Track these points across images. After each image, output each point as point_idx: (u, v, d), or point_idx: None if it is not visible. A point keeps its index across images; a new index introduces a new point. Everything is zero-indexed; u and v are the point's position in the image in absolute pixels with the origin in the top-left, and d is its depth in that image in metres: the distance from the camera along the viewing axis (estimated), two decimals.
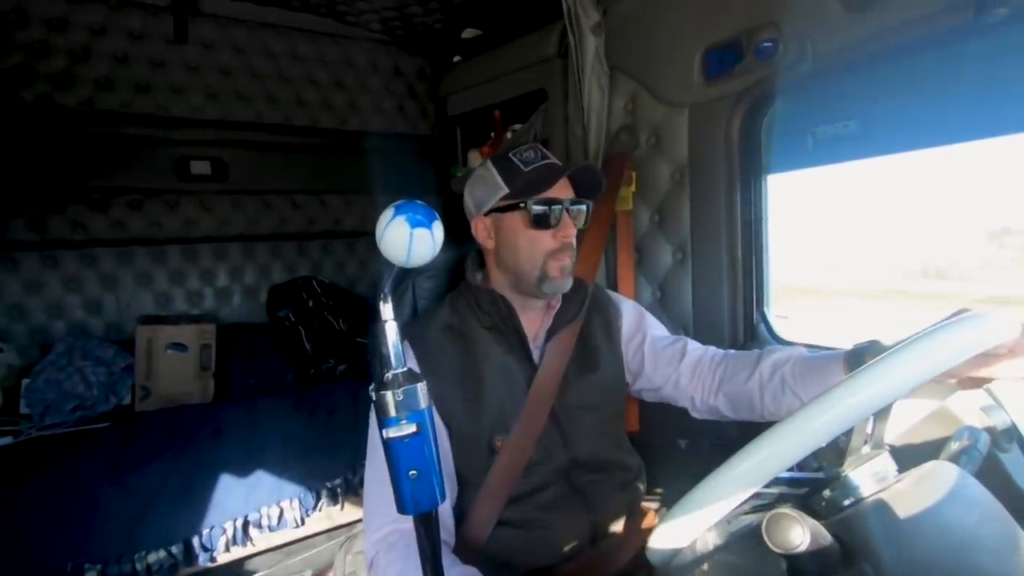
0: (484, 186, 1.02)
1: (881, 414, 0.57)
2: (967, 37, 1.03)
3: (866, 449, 0.55)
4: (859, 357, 0.82)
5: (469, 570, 0.82)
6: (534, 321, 1.05)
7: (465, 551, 0.94)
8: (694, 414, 1.10)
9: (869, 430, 0.56)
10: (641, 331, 1.13)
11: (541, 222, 0.96)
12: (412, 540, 0.75)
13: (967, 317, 0.50)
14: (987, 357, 0.65)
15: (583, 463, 1.02)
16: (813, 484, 0.56)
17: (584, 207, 1.02)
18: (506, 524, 0.97)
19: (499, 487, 0.96)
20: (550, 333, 1.04)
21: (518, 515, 0.97)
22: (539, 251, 0.97)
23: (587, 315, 1.09)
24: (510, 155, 1.00)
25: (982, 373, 0.67)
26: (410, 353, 0.98)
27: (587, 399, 1.04)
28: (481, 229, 1.02)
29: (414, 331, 1.02)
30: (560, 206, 0.97)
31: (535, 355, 1.03)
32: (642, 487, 1.11)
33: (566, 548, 0.98)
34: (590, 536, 1.00)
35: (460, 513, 0.99)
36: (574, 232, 0.99)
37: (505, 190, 0.98)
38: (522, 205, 0.96)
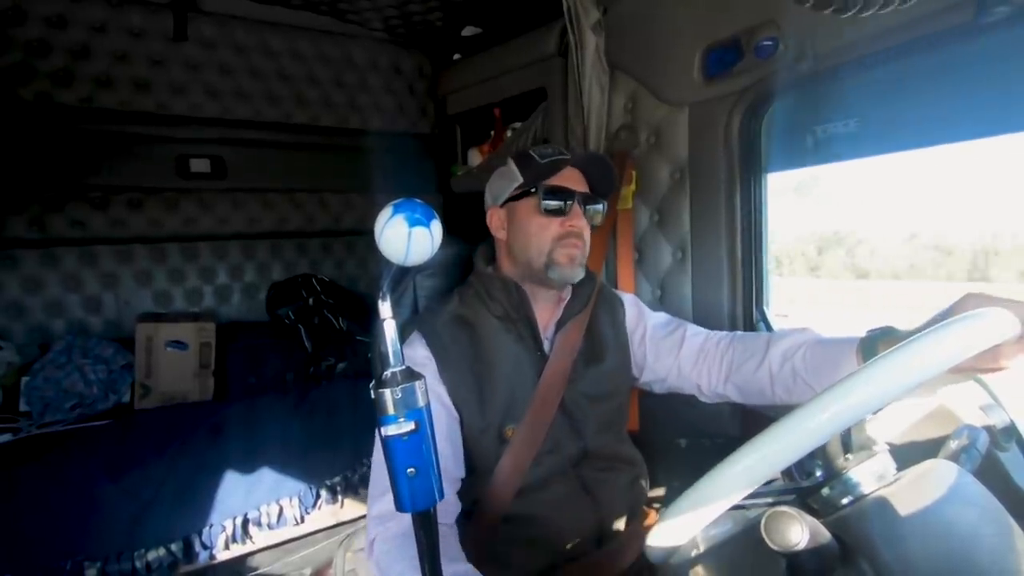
0: (502, 179, 1.06)
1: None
2: (967, 36, 1.03)
3: (851, 456, 0.55)
4: (872, 345, 0.81)
5: (468, 568, 0.82)
6: (545, 312, 1.06)
7: (471, 547, 0.94)
8: (702, 399, 1.10)
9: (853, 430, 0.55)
10: (642, 323, 1.15)
11: (550, 208, 0.99)
12: (409, 527, 0.75)
13: (975, 313, 0.50)
14: (995, 349, 0.64)
15: (593, 454, 1.03)
16: (810, 487, 0.56)
17: (599, 206, 1.05)
18: (513, 521, 0.97)
19: (509, 477, 0.97)
20: (559, 324, 1.05)
21: (525, 511, 0.98)
22: (547, 237, 0.99)
23: (594, 307, 1.10)
24: (530, 151, 1.03)
25: (990, 365, 0.66)
26: (421, 343, 0.99)
27: (595, 390, 1.05)
28: (496, 220, 1.05)
29: (424, 321, 1.03)
30: (571, 198, 1.00)
31: (545, 346, 1.04)
32: (646, 485, 1.11)
33: (572, 548, 0.98)
34: (596, 536, 1.01)
35: (468, 505, 0.99)
36: (583, 223, 1.01)
37: (520, 180, 1.02)
38: (533, 191, 1.00)
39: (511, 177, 1.03)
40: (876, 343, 0.80)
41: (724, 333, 1.08)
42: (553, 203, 0.99)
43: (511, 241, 1.04)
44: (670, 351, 1.10)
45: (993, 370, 0.68)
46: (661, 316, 1.17)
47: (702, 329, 1.11)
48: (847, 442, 0.55)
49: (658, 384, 1.15)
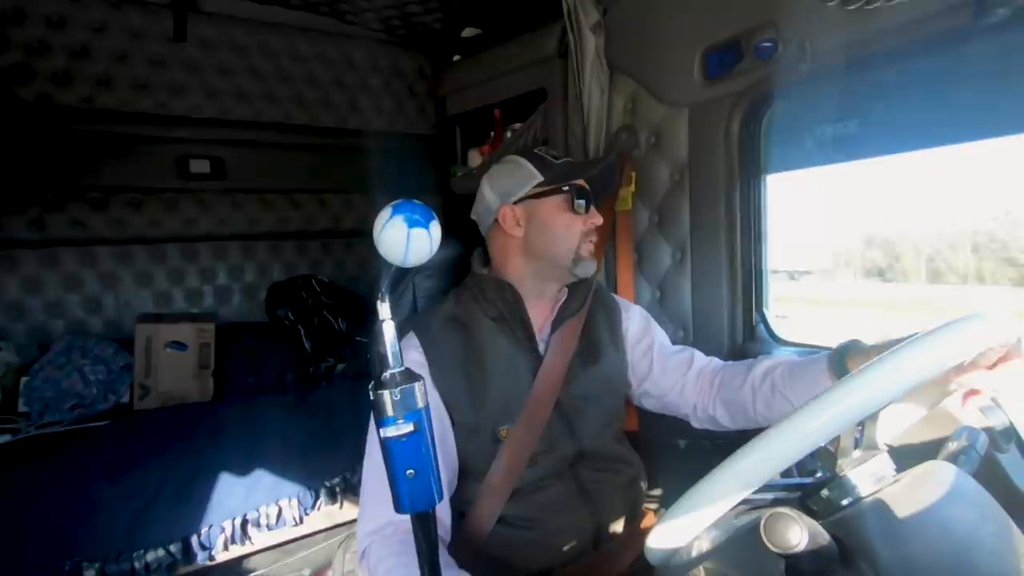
0: (513, 177, 1.05)
1: (869, 417, 0.56)
2: (967, 37, 1.04)
3: (856, 453, 0.55)
4: (840, 357, 0.84)
5: (463, 574, 0.82)
6: (540, 313, 1.07)
7: (467, 548, 0.94)
8: (694, 423, 1.12)
9: (857, 434, 0.56)
10: (649, 336, 1.15)
11: (579, 206, 1.02)
12: (406, 535, 0.75)
13: (974, 314, 0.50)
14: (989, 355, 0.63)
15: (589, 455, 1.03)
16: (809, 488, 0.56)
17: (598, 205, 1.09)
18: (509, 523, 0.97)
19: (503, 478, 0.97)
20: (555, 324, 1.05)
21: (522, 513, 0.97)
22: (574, 233, 1.02)
23: (591, 308, 1.11)
24: (536, 151, 1.06)
25: (976, 380, 0.64)
26: (415, 343, 0.99)
27: (590, 390, 1.05)
28: (509, 218, 1.04)
29: (418, 322, 1.03)
30: (591, 197, 1.05)
31: (540, 347, 1.04)
32: (644, 486, 1.12)
33: (569, 549, 0.98)
34: (593, 537, 1.00)
35: (463, 507, 0.99)
36: (601, 219, 1.06)
37: (540, 178, 1.03)
38: (565, 189, 1.02)
39: (526, 175, 1.04)
40: (844, 354, 0.84)
41: (720, 360, 1.12)
42: (584, 202, 1.03)
43: (530, 238, 1.04)
44: (678, 368, 1.11)
45: (989, 377, 0.66)
46: (667, 336, 1.19)
47: (704, 355, 1.14)
48: (858, 441, 0.55)
49: (653, 400, 1.16)
